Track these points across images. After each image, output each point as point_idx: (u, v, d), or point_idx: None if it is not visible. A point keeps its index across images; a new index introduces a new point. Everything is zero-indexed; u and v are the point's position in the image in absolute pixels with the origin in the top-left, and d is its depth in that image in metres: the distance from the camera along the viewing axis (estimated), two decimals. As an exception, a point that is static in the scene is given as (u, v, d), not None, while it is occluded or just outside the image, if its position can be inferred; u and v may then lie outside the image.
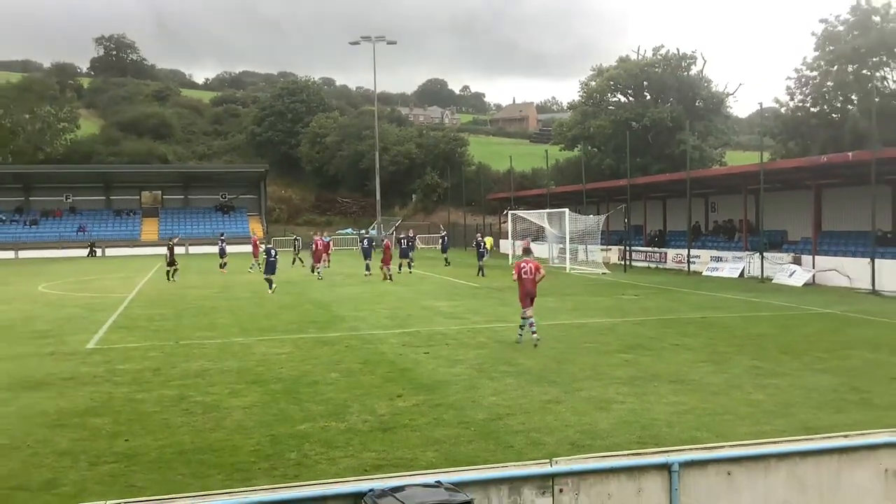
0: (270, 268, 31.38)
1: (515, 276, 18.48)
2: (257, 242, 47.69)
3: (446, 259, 47.23)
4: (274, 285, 30.89)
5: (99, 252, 70.42)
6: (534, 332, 17.82)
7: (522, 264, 18.52)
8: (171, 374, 14.84)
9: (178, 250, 70.34)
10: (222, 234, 50.52)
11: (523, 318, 18.16)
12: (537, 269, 18.34)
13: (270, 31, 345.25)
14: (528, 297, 18.14)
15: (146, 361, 16.23)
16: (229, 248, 47.42)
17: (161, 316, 24.10)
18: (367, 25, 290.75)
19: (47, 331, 21.05)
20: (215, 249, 53.02)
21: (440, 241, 52.24)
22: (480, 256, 40.73)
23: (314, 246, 39.65)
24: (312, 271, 38.58)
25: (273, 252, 32.04)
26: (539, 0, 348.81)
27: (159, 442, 10.44)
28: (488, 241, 50.08)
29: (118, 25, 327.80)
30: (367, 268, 40.15)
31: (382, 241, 40.67)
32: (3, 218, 75.33)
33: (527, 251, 21.22)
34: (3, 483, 8.92)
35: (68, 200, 79.42)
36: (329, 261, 42.17)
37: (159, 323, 22.46)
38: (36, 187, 78.66)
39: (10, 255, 68.19)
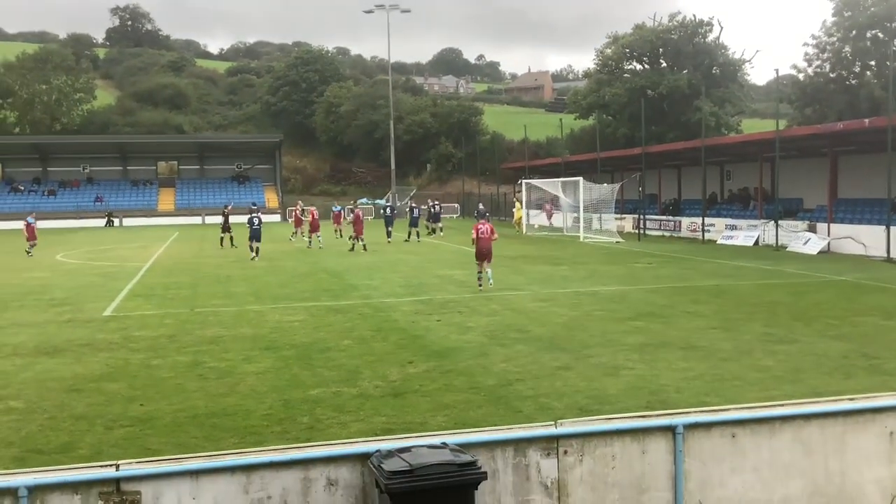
0: (255, 235, 32.36)
1: (474, 236, 21.75)
2: (298, 213, 46.76)
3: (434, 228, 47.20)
4: (255, 254, 32.01)
5: (116, 222, 70.85)
6: (490, 281, 21.65)
7: (480, 226, 21.82)
8: (185, 341, 15.01)
9: (194, 220, 70.90)
10: (254, 204, 50.13)
11: (480, 273, 21.79)
12: (492, 231, 21.80)
13: (286, 3, 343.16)
14: (484, 255, 21.51)
15: (162, 328, 16.42)
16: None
17: (177, 284, 24.29)
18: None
19: (65, 299, 21.29)
20: (233, 220, 53.04)
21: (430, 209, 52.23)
22: None
23: (310, 216, 39.38)
24: (309, 242, 38.73)
25: (256, 220, 32.77)
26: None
27: (174, 406, 10.60)
28: (518, 209, 50.01)
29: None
30: (389, 234, 41.35)
31: (352, 211, 40.62)
32: (22, 188, 75.80)
33: (482, 214, 26.13)
34: (20, 446, 9.10)
35: (85, 171, 79.75)
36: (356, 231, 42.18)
37: (175, 291, 22.65)
38: (53, 158, 78.99)
39: (28, 224, 68.64)
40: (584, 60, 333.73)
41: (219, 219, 45.93)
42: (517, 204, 52.92)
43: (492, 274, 21.96)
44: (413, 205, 45.54)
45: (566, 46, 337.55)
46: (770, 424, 6.54)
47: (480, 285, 21.67)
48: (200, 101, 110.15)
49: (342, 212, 45.43)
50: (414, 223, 42.55)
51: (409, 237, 41.72)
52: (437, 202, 48.82)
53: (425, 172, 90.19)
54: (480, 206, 45.55)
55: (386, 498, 5.49)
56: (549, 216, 55.54)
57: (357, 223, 36.07)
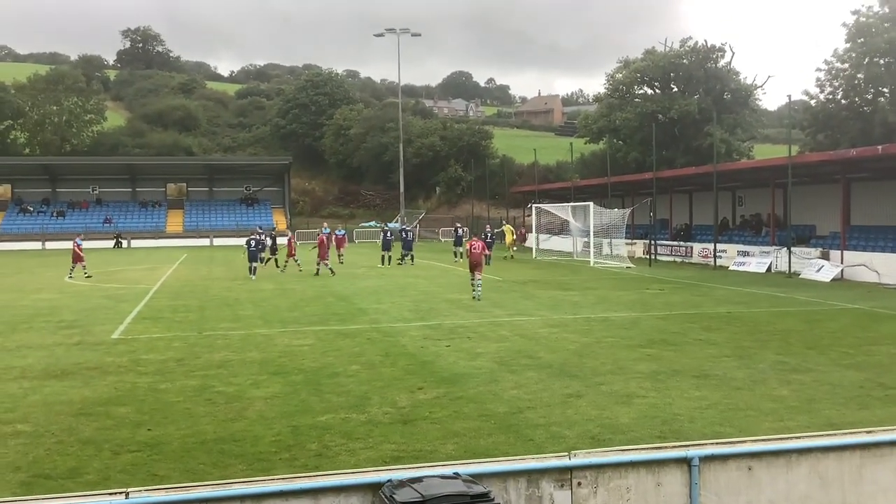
0: (252, 256, 34.56)
1: (467, 249, 27.08)
2: (292, 242, 44.92)
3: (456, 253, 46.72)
4: (252, 274, 34.10)
5: (125, 243, 71.06)
6: (478, 291, 25.61)
7: (473, 243, 27.09)
8: (194, 365, 14.94)
9: (203, 242, 71.00)
10: (260, 227, 49.00)
11: (473, 282, 25.95)
12: (483, 247, 27.27)
13: (290, 27, 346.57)
14: (476, 266, 26.08)
15: (170, 352, 16.36)
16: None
17: (185, 307, 24.27)
18: (375, 19, 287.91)
19: (73, 321, 21.27)
20: (241, 241, 52.78)
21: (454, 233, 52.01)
22: (489, 246, 41.84)
23: (288, 240, 38.49)
24: (283, 265, 37.96)
25: (252, 242, 34.75)
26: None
27: (181, 431, 10.52)
28: (507, 229, 49.91)
29: (143, 18, 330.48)
30: (401, 257, 41.62)
31: (317, 235, 40.16)
32: (31, 209, 76.18)
33: (485, 235, 35.55)
34: (27, 471, 9.02)
35: (95, 192, 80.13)
36: (341, 254, 42.35)
37: (183, 314, 22.62)
38: (63, 179, 79.42)
39: (37, 245, 69.01)
40: (593, 84, 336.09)
41: (239, 240, 45.12)
42: (507, 227, 52.55)
43: (481, 286, 26.00)
44: (408, 227, 45.58)
45: (574, 70, 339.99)
46: (787, 457, 6.44)
47: (474, 292, 25.65)
48: (210, 122, 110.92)
49: (344, 235, 44.63)
50: (408, 246, 42.61)
51: (402, 261, 41.72)
52: (458, 225, 48.97)
53: (434, 195, 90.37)
54: (487, 229, 46.18)
55: (397, 529, 5.40)
56: (524, 240, 57.66)
57: (321, 247, 36.14)
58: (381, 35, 74.47)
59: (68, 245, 66.88)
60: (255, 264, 34.49)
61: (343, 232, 44.90)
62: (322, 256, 35.84)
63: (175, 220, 77.70)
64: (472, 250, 26.58)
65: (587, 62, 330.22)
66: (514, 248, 50.64)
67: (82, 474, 8.88)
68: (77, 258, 35.93)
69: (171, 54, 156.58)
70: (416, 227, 56.20)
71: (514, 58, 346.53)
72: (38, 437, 10.29)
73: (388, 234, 43.19)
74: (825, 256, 34.64)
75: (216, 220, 77.40)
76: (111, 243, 70.19)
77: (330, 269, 35.65)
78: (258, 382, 13.37)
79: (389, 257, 41.66)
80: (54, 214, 75.96)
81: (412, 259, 42.73)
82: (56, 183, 79.34)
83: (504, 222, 58.75)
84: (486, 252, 27.07)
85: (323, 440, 10.05)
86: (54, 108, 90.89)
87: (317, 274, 35.33)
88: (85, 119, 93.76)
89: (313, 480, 5.84)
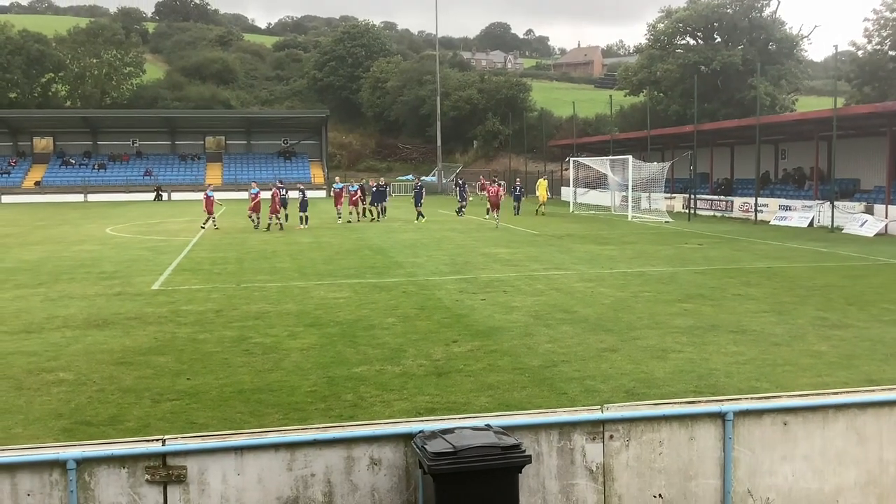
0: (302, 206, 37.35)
1: (486, 194, 38.96)
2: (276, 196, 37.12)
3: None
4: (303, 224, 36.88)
5: (165, 196, 71.79)
6: (497, 222, 35.65)
7: (490, 188, 37.60)
8: (232, 316, 15.12)
9: (241, 195, 71.31)
10: (280, 181, 47.49)
11: (494, 218, 36.42)
12: (499, 190, 37.45)
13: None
14: (494, 206, 36.64)
15: (209, 303, 16.56)
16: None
17: (224, 259, 24.52)
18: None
19: (114, 272, 21.60)
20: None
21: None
22: (517, 199, 45.46)
23: (272, 196, 35.99)
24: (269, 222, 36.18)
25: (282, 191, 37.47)
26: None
27: (220, 381, 10.68)
28: (542, 184, 48.11)
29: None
30: (420, 214, 40.11)
31: (272, 188, 37.97)
32: (73, 161, 77.13)
33: (493, 181, 41.19)
34: (69, 417, 9.23)
35: (135, 145, 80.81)
36: (351, 211, 40.68)
37: (222, 266, 22.86)
38: (103, 131, 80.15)
39: (79, 197, 70.05)
40: (635, 35, 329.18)
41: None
42: (541, 181, 49.78)
43: (499, 217, 36.73)
44: (460, 180, 45.88)
45: (613, 19, 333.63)
46: (823, 412, 6.38)
47: (496, 222, 35.46)
48: (248, 75, 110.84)
49: (356, 191, 41.61)
50: (461, 197, 43.11)
51: (417, 218, 40.06)
52: (496, 178, 48.74)
53: (471, 149, 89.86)
54: (517, 182, 48.25)
55: (429, 479, 5.45)
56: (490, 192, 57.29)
57: (272, 202, 35.50)
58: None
59: (110, 198, 68.59)
60: (304, 213, 36.95)
61: (356, 187, 42.55)
62: (273, 210, 35.55)
63: (214, 173, 78.22)
64: (490, 195, 36.89)
65: (628, 10, 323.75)
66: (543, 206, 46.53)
67: (122, 421, 9.07)
68: (210, 209, 36.71)
69: (208, 6, 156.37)
70: (460, 179, 55.48)
71: (555, 7, 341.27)
72: (80, 385, 10.51)
73: (420, 187, 42.66)
74: (869, 211, 34.00)
75: (254, 174, 77.64)
76: (151, 196, 70.99)
77: (280, 224, 35.54)
78: (294, 334, 13.51)
79: (419, 213, 40.18)
80: (96, 167, 76.85)
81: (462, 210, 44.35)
82: (97, 136, 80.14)
83: (517, 179, 56.97)
84: (502, 193, 37.54)
85: (358, 391, 10.15)
86: (94, 60, 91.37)
87: (267, 229, 35.06)
88: (124, 72, 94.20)
89: (347, 430, 5.90)
